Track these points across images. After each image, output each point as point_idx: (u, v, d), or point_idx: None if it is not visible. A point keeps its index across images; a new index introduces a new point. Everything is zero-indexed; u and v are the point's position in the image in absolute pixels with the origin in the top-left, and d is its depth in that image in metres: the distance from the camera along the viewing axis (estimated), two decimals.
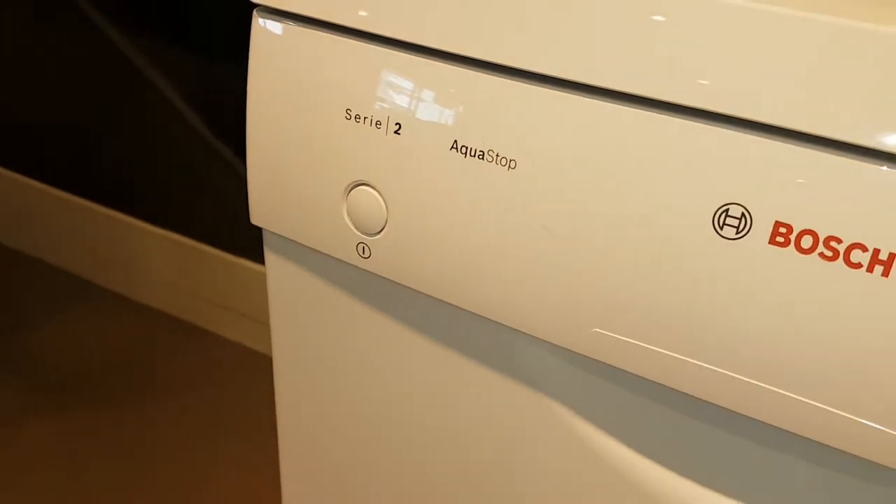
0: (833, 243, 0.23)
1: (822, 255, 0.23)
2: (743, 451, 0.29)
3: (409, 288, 0.32)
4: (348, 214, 0.32)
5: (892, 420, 0.23)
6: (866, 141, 0.22)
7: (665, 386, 0.27)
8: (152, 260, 1.46)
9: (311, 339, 0.38)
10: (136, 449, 1.26)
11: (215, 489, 1.15)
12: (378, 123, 0.30)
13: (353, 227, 0.32)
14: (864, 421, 0.24)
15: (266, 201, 0.35)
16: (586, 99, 0.26)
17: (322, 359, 0.39)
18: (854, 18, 0.22)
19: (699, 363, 0.26)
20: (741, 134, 0.24)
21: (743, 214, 0.24)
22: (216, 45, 1.09)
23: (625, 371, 0.28)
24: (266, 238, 0.37)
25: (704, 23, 0.23)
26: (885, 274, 0.22)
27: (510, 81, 0.27)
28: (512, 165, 0.27)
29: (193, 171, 1.29)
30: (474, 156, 0.28)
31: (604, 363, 0.28)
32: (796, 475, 0.28)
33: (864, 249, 0.22)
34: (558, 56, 0.26)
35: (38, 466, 1.26)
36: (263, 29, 0.32)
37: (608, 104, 0.25)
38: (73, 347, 1.47)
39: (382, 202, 0.31)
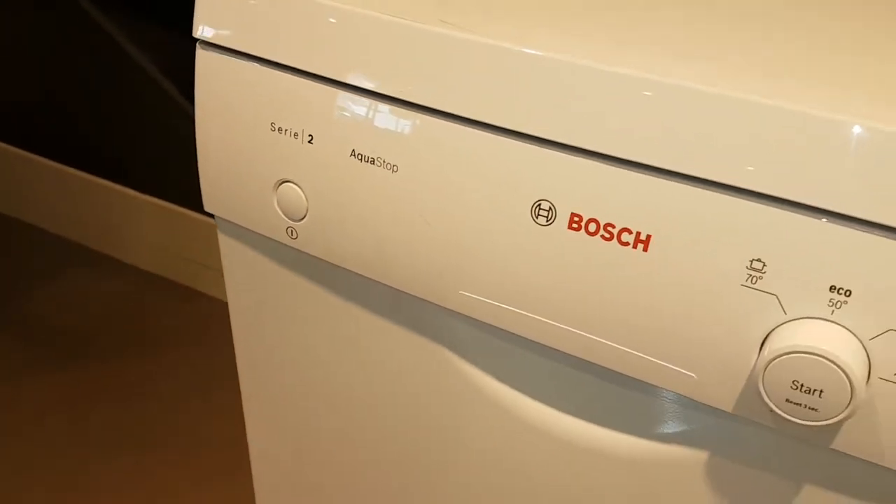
0: (609, 228, 0.31)
1: (602, 236, 0.32)
2: (574, 379, 0.38)
3: (330, 262, 0.41)
4: (278, 205, 0.41)
5: (661, 353, 0.32)
6: (622, 153, 0.30)
7: (512, 332, 0.36)
8: (142, 225, 1.55)
9: (261, 308, 0.47)
10: (131, 402, 1.35)
11: (207, 437, 1.25)
12: (295, 135, 0.38)
13: (282, 215, 0.41)
14: (641, 354, 0.33)
15: (215, 193, 0.43)
16: (445, 122, 0.34)
17: (269, 325, 0.47)
18: (544, 49, 0.30)
19: (530, 314, 0.35)
20: (549, 150, 0.32)
21: (550, 208, 0.32)
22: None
23: (485, 323, 0.37)
24: (218, 222, 0.45)
25: (521, 70, 0.32)
26: (645, 249, 0.31)
27: (389, 106, 0.35)
28: (395, 170, 0.36)
29: (179, 141, 1.37)
30: (367, 161, 0.37)
31: (471, 317, 0.37)
32: (608, 391, 0.37)
33: (630, 232, 0.31)
34: (423, 87, 0.34)
35: (40, 418, 1.35)
36: (204, 56, 0.40)
37: (459, 126, 0.34)
38: (69, 308, 1.56)
39: (303, 195, 0.39)
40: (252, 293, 0.47)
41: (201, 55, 0.40)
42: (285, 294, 0.45)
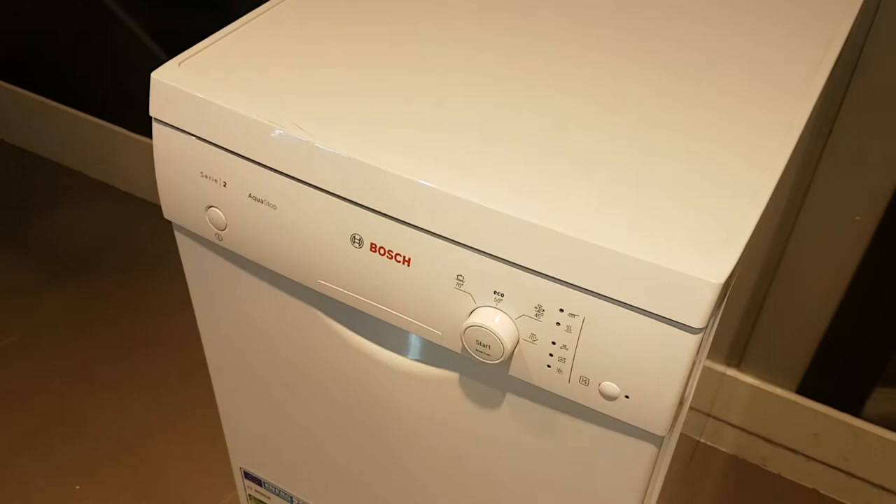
0: (390, 251, 0.55)
1: (387, 256, 0.56)
2: (393, 331, 0.63)
3: (244, 256, 0.65)
4: (209, 220, 0.64)
5: (422, 319, 0.57)
6: (395, 213, 0.54)
7: (351, 306, 0.61)
8: (139, 160, 1.76)
9: (209, 285, 0.72)
10: (132, 311, 1.61)
11: (194, 340, 1.51)
12: (215, 181, 0.62)
13: (212, 226, 0.64)
14: (411, 319, 0.57)
15: (170, 208, 0.67)
16: (302, 186, 0.57)
17: (218, 304, 0.72)
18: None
19: (356, 295, 0.59)
20: (358, 207, 0.55)
21: (360, 238, 0.56)
22: None
23: (339, 301, 0.61)
24: (173, 224, 0.69)
25: (345, 166, 0.55)
26: (408, 265, 0.55)
27: (269, 172, 0.58)
28: (275, 208, 0.59)
29: None
30: (259, 201, 0.60)
31: (330, 297, 0.62)
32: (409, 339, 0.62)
33: (401, 255, 0.55)
34: (288, 164, 0.57)
35: (54, 325, 1.60)
36: (158, 127, 0.63)
37: (311, 189, 0.57)
38: (76, 231, 1.80)
39: (223, 216, 0.63)
40: (202, 273, 0.71)
41: (156, 126, 0.63)
42: (221, 273, 0.70)
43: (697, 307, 0.47)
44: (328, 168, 0.55)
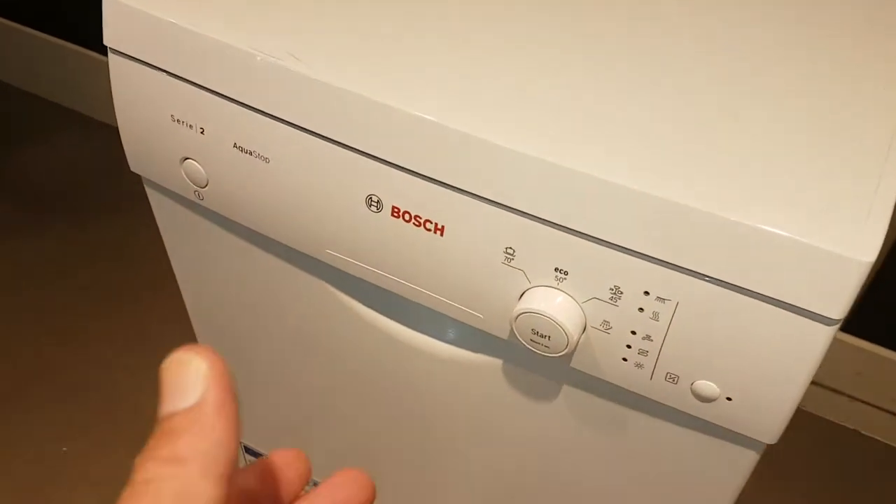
0: (417, 217, 0.43)
1: (413, 223, 0.44)
2: (422, 311, 0.51)
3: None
4: (185, 174, 0.52)
5: (459, 300, 0.45)
6: (425, 171, 0.42)
7: (368, 281, 0.49)
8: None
9: (195, 258, 0.59)
10: (120, 256, 1.49)
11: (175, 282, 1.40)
12: (190, 126, 0.49)
13: (189, 182, 0.52)
14: (448, 301, 0.46)
15: (137, 160, 0.54)
16: (302, 133, 0.44)
17: (203, 273, 0.60)
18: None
19: (373, 269, 0.47)
20: (376, 162, 0.43)
21: (378, 200, 0.44)
22: None
23: (347, 271, 0.49)
24: (144, 180, 0.56)
25: (350, 104, 0.42)
26: (441, 235, 0.43)
27: (260, 116, 0.45)
28: (267, 161, 0.47)
29: None
30: (247, 153, 0.47)
31: (339, 268, 0.50)
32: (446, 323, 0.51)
33: (431, 222, 0.43)
34: (284, 106, 0.44)
35: (33, 272, 1.48)
36: (115, 60, 0.49)
37: (312, 137, 0.44)
38: (54, 168, 1.66)
39: (203, 170, 0.50)
40: (181, 237, 0.59)
41: (112, 58, 0.49)
42: (204, 238, 0.57)
43: (838, 292, 0.35)
44: (334, 110, 0.43)
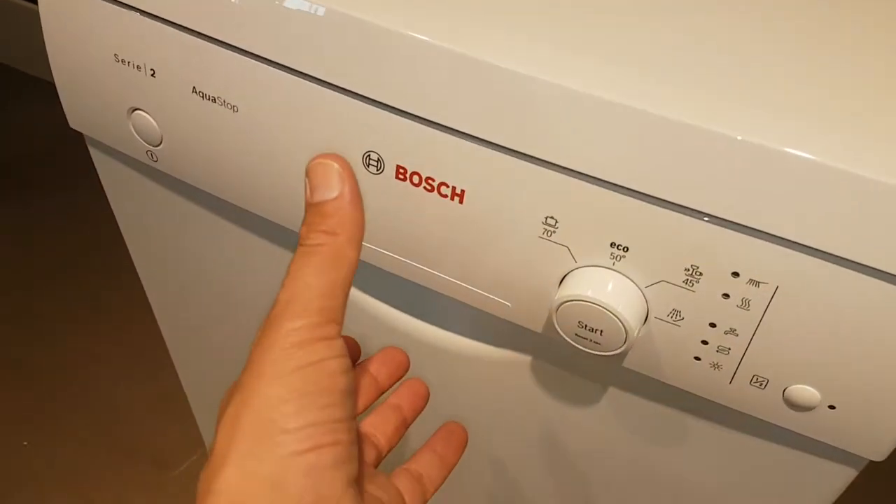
0: (430, 181, 0.34)
1: (425, 187, 0.34)
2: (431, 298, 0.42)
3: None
4: (134, 130, 0.42)
5: (482, 286, 0.36)
6: (439, 118, 0.32)
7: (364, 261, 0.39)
8: None
9: (151, 230, 0.49)
10: (83, 232, 1.38)
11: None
12: (138, 67, 0.39)
13: (140, 140, 0.42)
14: (467, 286, 0.36)
15: (76, 113, 0.44)
16: (280, 73, 0.35)
17: (161, 249, 0.50)
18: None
19: (372, 247, 0.38)
20: (376, 109, 0.33)
21: (379, 159, 0.34)
22: None
23: None
24: (87, 139, 0.46)
25: (349, 32, 0.32)
26: (461, 202, 0.34)
27: (226, 51, 0.36)
28: (235, 110, 0.37)
29: None
30: (208, 99, 0.37)
31: None
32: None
33: (447, 186, 0.34)
34: (258, 38, 0.34)
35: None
36: None
37: (293, 77, 0.34)
38: (10, 137, 1.54)
39: (155, 124, 0.40)
40: (133, 207, 0.49)
41: None
42: (160, 208, 0.47)
43: None
44: (319, 41, 0.33)
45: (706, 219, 0.29)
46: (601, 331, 0.32)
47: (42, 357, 1.20)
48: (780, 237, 0.28)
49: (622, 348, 0.32)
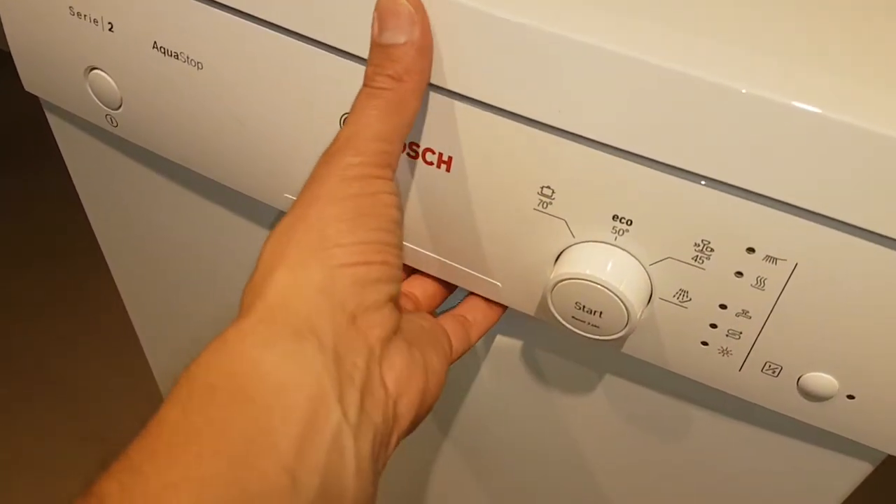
0: (414, 146, 0.31)
1: (408, 154, 0.31)
2: None
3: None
4: (92, 91, 0.38)
5: (469, 264, 0.33)
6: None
7: None
8: None
9: (113, 203, 0.46)
10: (47, 208, 1.33)
11: None
12: (95, 21, 0.35)
13: (98, 102, 0.38)
14: (452, 263, 0.33)
15: (30, 73, 0.40)
16: (249, 24, 0.31)
17: (126, 224, 0.46)
18: None
19: None
20: (356, 64, 0.30)
21: None
22: None
23: None
24: (42, 102, 0.43)
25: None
26: (448, 170, 0.31)
27: (189, 1, 0.32)
28: (200, 67, 0.34)
29: None
30: (171, 55, 0.34)
31: None
32: None
33: (433, 152, 0.30)
34: None
35: None
36: None
37: (264, 30, 0.31)
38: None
39: (114, 84, 0.37)
40: (93, 177, 0.45)
41: None
42: (122, 178, 0.44)
43: None
44: None
45: (719, 188, 0.26)
46: (600, 313, 0.29)
47: (10, 342, 1.16)
48: (799, 207, 0.25)
49: (623, 332, 0.30)
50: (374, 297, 0.26)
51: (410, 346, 0.28)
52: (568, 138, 0.27)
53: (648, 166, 0.27)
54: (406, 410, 0.28)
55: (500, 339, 0.40)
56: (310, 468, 0.23)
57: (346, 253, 0.26)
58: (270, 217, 0.41)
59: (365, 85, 0.27)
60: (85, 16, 0.35)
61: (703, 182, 0.26)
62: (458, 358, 0.33)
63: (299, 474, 0.23)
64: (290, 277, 0.25)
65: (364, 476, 0.25)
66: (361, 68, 0.29)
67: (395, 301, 0.28)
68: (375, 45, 0.27)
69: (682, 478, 0.40)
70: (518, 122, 0.28)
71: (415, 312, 0.33)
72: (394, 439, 0.27)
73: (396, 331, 0.28)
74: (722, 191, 0.26)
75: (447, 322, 0.34)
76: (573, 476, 0.44)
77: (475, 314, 0.35)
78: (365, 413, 0.25)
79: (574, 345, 0.37)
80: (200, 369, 0.24)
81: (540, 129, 0.28)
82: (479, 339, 0.35)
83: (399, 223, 0.28)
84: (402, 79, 0.27)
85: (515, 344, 0.39)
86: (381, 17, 0.27)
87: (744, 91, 0.24)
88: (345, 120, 0.31)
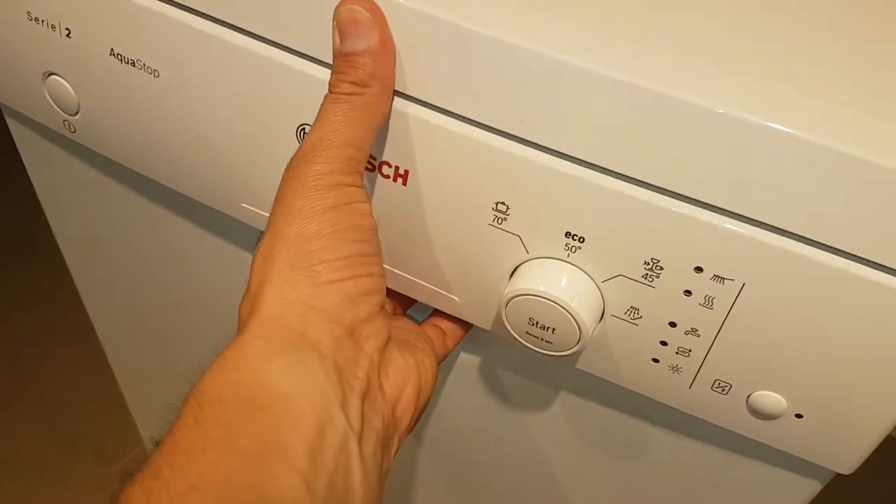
0: (371, 159, 0.31)
1: (367, 166, 0.31)
2: None
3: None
4: (49, 96, 0.38)
5: (427, 278, 0.33)
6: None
7: None
8: None
9: (73, 210, 0.45)
10: (18, 203, 1.31)
11: None
12: (53, 27, 0.35)
13: (56, 108, 0.38)
14: (411, 277, 0.33)
15: None
16: (209, 32, 0.31)
17: (86, 232, 0.46)
18: None
19: None
20: (313, 75, 0.30)
21: None
22: None
23: None
24: (2, 108, 0.42)
25: None
26: (405, 183, 0.31)
27: (145, 6, 0.32)
28: (156, 75, 0.33)
29: None
30: (127, 63, 0.34)
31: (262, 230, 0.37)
32: None
33: (389, 165, 0.30)
34: None
35: None
36: None
37: (224, 39, 0.31)
38: None
39: (72, 90, 0.37)
40: (53, 183, 0.45)
41: None
42: (81, 185, 0.43)
43: None
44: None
45: (678, 197, 0.26)
46: (553, 329, 0.29)
47: None
48: (755, 219, 0.26)
49: (575, 348, 0.30)
50: (367, 310, 0.27)
51: (402, 351, 0.30)
52: (524, 153, 0.28)
53: (602, 181, 0.27)
54: (403, 413, 0.29)
55: (463, 356, 0.40)
56: (321, 473, 0.24)
57: (331, 269, 0.26)
58: (232, 222, 0.41)
59: (330, 92, 0.27)
60: (43, 21, 0.35)
61: (663, 193, 0.26)
62: (444, 359, 0.34)
63: (312, 479, 0.23)
64: (279, 295, 0.26)
65: (370, 480, 0.26)
66: (319, 78, 0.29)
67: (383, 309, 0.29)
68: (338, 54, 0.27)
69: (640, 490, 0.40)
70: (474, 136, 0.28)
71: (397, 317, 0.34)
72: (395, 442, 0.28)
73: (389, 338, 0.29)
74: (670, 208, 0.26)
75: (426, 329, 0.35)
76: (538, 486, 0.44)
77: (447, 324, 0.36)
78: (367, 419, 0.26)
79: (536, 359, 0.37)
80: (206, 385, 0.24)
81: (495, 143, 0.28)
82: (455, 346, 0.36)
83: (375, 231, 0.28)
84: (366, 84, 0.27)
85: (475, 360, 0.39)
86: (341, 26, 0.27)
87: (692, 103, 0.25)
88: (303, 130, 0.31)
